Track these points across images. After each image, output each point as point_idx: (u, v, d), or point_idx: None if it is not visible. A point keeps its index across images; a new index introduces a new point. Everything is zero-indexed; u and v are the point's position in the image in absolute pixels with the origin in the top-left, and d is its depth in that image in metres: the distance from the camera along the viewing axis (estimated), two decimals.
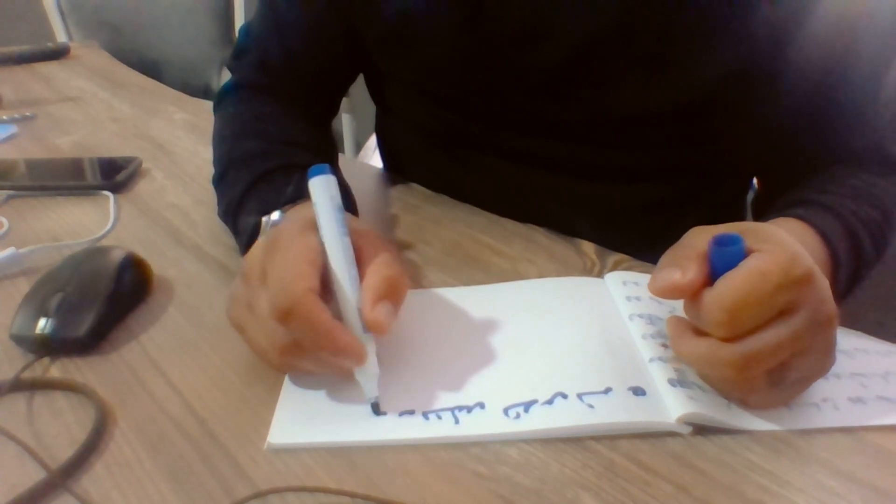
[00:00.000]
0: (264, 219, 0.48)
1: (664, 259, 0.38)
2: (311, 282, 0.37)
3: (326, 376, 0.41)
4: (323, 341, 0.36)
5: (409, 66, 0.63)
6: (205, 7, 2.02)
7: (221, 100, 0.68)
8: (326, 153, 0.62)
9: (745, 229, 0.37)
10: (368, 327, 0.38)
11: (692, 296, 0.36)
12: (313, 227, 0.40)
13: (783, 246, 0.35)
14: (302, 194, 0.48)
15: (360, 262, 0.40)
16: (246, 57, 0.67)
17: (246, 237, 0.50)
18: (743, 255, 0.35)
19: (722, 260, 0.35)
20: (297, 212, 0.47)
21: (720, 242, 0.36)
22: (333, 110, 0.72)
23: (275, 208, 0.48)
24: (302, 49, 0.65)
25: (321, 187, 0.41)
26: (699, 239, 0.37)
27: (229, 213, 0.55)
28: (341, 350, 0.36)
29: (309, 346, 0.37)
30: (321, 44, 0.65)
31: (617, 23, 0.53)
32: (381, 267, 0.40)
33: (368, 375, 0.38)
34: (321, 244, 0.39)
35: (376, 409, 0.38)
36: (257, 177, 0.53)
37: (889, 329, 0.49)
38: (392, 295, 0.39)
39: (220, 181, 0.59)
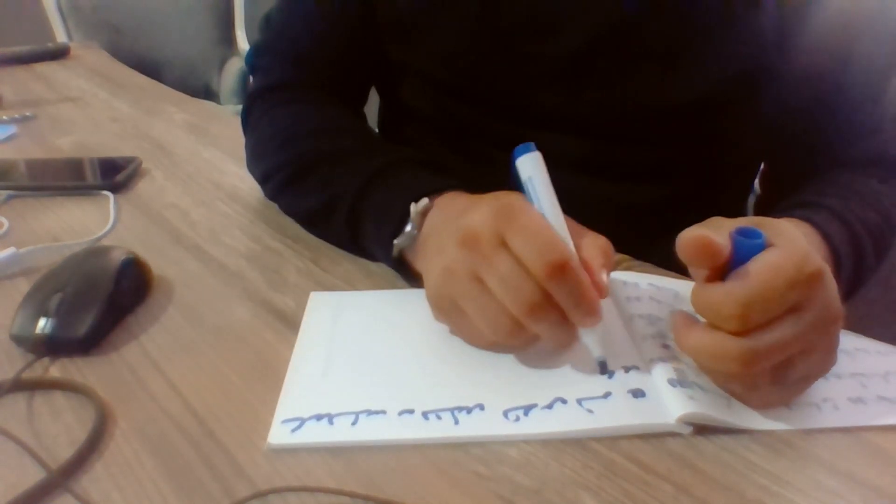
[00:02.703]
0: (412, 205, 0.48)
1: (691, 229, 0.37)
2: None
3: (329, 372, 0.41)
4: (583, 298, 0.37)
5: (423, 54, 0.63)
6: (205, 7, 2.02)
7: (258, 101, 0.66)
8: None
9: (760, 223, 0.37)
10: (598, 290, 0.39)
11: (715, 275, 0.36)
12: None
13: (796, 242, 0.35)
14: (443, 187, 0.49)
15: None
16: (274, 53, 0.67)
17: (394, 224, 0.49)
18: (763, 249, 0.35)
19: (741, 251, 0.35)
20: (456, 199, 0.47)
21: (743, 234, 0.36)
22: (364, 101, 0.72)
23: (418, 198, 0.48)
24: (330, 38, 0.65)
25: (535, 163, 0.42)
26: (723, 224, 0.37)
27: (337, 206, 0.54)
28: (593, 308, 0.38)
29: (564, 304, 0.38)
30: (350, 33, 0.65)
31: (630, 16, 0.53)
32: (596, 239, 0.42)
33: (597, 337, 0.40)
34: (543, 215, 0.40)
35: (605, 369, 0.40)
36: (379, 169, 0.52)
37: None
38: (608, 264, 0.41)
39: (300, 178, 0.58)
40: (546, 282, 0.37)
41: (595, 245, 0.41)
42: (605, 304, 0.47)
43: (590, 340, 0.40)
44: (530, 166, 0.42)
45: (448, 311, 0.42)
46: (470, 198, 0.47)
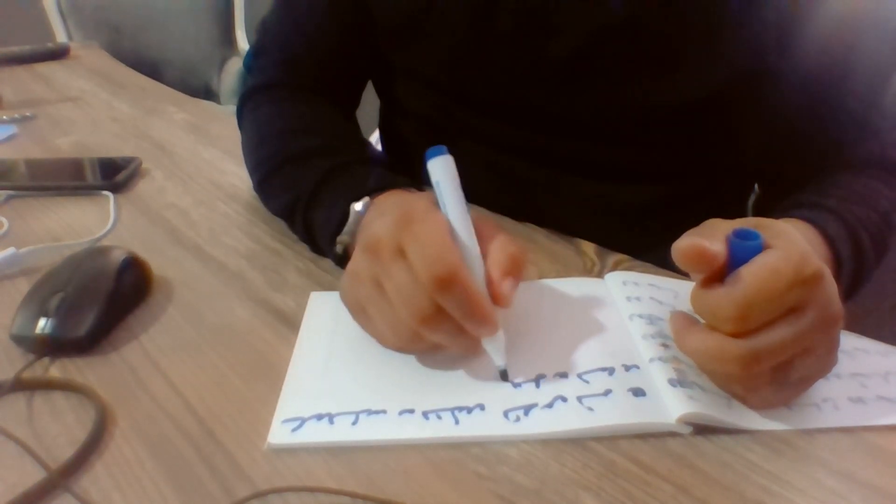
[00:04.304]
0: (352, 205, 0.49)
1: (685, 236, 0.37)
2: (459, 254, 0.38)
3: (330, 372, 0.41)
4: (474, 310, 0.37)
5: (421, 56, 0.63)
6: (205, 7, 2.02)
7: (248, 101, 0.67)
8: (365, 146, 0.63)
9: (758, 224, 0.37)
10: (497, 301, 0.39)
11: (713, 277, 0.36)
12: (436, 206, 0.41)
13: (795, 244, 0.35)
14: (384, 185, 0.49)
15: (479, 240, 0.41)
16: (267, 55, 0.68)
17: (334, 224, 0.50)
18: (760, 251, 0.35)
19: (739, 253, 0.35)
20: (412, 198, 0.48)
21: (740, 236, 0.36)
22: (356, 103, 0.73)
23: (359, 198, 0.49)
24: (322, 40, 0.66)
25: (443, 166, 0.41)
26: (720, 226, 0.37)
27: (297, 207, 0.55)
28: (486, 319, 0.38)
29: (456, 315, 0.37)
30: (341, 33, 0.66)
31: (629, 17, 0.53)
32: (504, 244, 0.41)
33: (498, 345, 0.40)
34: (447, 222, 0.40)
35: (505, 377, 0.40)
36: (330, 168, 0.54)
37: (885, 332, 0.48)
38: (515, 271, 0.40)
39: (271, 178, 0.59)
40: (435, 294, 0.36)
41: (502, 252, 0.40)
42: (600, 307, 0.47)
43: (491, 349, 0.40)
44: (439, 170, 0.41)
45: (356, 312, 0.42)
46: (398, 198, 0.47)
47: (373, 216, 0.48)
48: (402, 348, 0.42)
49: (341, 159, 0.55)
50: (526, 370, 0.41)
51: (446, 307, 0.37)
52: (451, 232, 0.39)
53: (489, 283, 0.39)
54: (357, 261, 0.41)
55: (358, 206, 0.49)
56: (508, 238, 0.41)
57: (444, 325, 0.38)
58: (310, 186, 0.54)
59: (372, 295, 0.40)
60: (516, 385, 0.40)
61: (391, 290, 0.38)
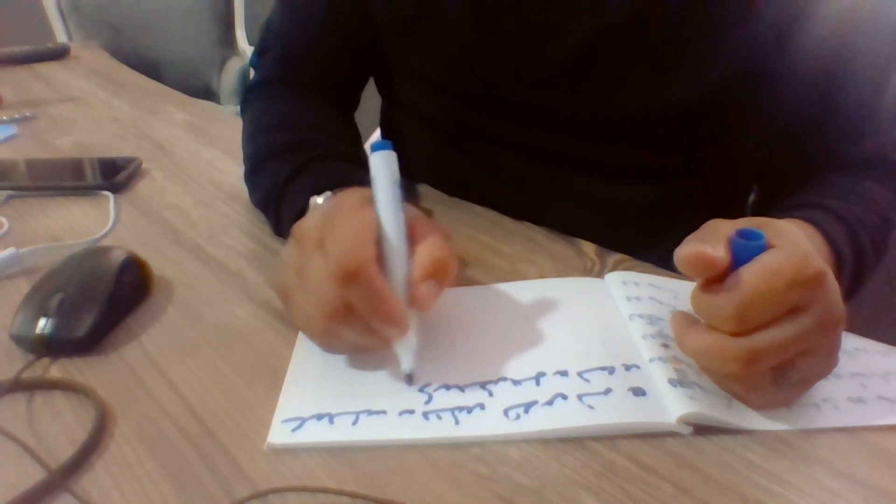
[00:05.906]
0: (312, 199, 0.49)
1: (687, 241, 0.37)
2: (372, 250, 0.38)
3: (329, 372, 0.41)
4: (379, 307, 0.37)
5: (422, 55, 0.63)
6: (205, 7, 2.02)
7: (248, 96, 0.69)
8: (358, 144, 0.64)
9: (761, 224, 0.37)
10: (413, 302, 0.39)
11: (715, 278, 0.36)
12: (370, 202, 0.41)
13: (797, 244, 0.35)
14: (348, 180, 0.49)
15: (412, 240, 0.41)
16: (269, 53, 0.69)
17: (294, 217, 0.51)
18: (763, 251, 0.35)
19: (742, 253, 0.35)
20: (347, 194, 0.48)
21: (743, 235, 0.36)
22: (355, 102, 0.73)
23: (322, 192, 0.49)
24: (323, 40, 0.67)
25: (382, 162, 0.41)
26: (722, 227, 0.37)
27: (271, 199, 0.55)
28: (392, 318, 0.37)
29: (362, 312, 0.37)
30: (341, 34, 0.67)
31: (628, 19, 0.53)
32: (431, 247, 0.40)
33: (407, 347, 0.39)
34: (377, 218, 0.40)
35: (410, 381, 0.39)
36: (302, 163, 0.54)
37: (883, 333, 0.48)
38: (439, 275, 0.40)
39: (256, 171, 0.60)
40: (340, 287, 0.36)
41: (427, 254, 0.40)
42: (600, 307, 0.47)
43: (400, 350, 0.39)
44: (376, 166, 0.41)
45: (283, 301, 0.42)
46: (349, 194, 0.47)
47: None
48: (318, 343, 0.42)
49: (316, 153, 0.55)
50: (526, 368, 0.41)
51: (354, 302, 0.37)
52: (379, 229, 0.39)
53: (409, 284, 0.39)
54: (287, 251, 0.42)
55: (319, 200, 0.49)
56: (440, 241, 0.41)
57: (351, 322, 0.38)
58: (281, 180, 0.54)
59: (295, 285, 0.40)
60: (516, 383, 0.40)
61: (308, 281, 0.39)
